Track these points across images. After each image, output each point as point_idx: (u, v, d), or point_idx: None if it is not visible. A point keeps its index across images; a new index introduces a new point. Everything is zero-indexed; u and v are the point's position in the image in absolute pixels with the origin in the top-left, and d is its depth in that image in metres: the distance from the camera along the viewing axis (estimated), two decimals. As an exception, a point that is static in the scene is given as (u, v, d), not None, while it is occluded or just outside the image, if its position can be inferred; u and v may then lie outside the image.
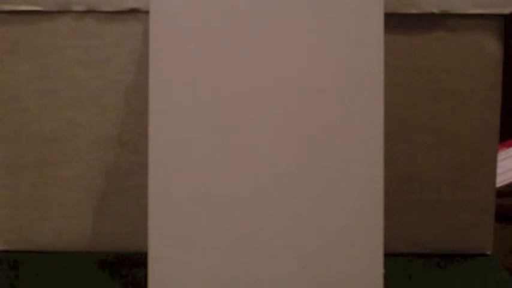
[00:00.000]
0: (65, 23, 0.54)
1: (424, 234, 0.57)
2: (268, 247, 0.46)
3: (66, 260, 0.56)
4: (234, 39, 0.47)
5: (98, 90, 0.55)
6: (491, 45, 0.54)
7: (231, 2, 0.47)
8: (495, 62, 0.55)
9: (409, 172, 0.56)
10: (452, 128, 0.56)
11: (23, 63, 0.55)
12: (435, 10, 0.53)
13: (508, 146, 0.78)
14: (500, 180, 0.70)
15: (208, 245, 0.46)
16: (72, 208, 0.57)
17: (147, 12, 0.48)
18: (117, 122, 0.56)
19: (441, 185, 0.56)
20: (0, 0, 0.54)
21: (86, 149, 0.56)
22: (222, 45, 0.47)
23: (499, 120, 0.56)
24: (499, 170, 0.58)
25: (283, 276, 0.46)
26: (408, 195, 0.57)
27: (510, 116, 0.60)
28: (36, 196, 0.57)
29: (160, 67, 0.47)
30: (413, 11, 0.53)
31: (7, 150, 0.56)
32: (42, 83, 0.55)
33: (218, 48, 0.47)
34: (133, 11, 0.54)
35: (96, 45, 0.54)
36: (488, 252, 0.57)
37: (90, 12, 0.54)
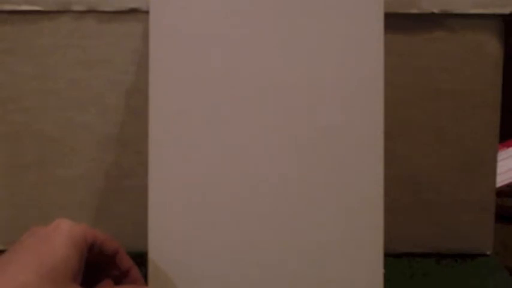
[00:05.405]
0: (65, 23, 0.54)
1: (424, 234, 0.57)
2: (268, 246, 0.46)
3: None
4: (234, 39, 0.47)
5: (98, 90, 0.55)
6: (491, 45, 0.54)
7: (231, 2, 0.47)
8: (495, 62, 0.55)
9: (409, 172, 0.56)
10: (452, 128, 0.56)
11: (23, 63, 0.55)
12: (435, 10, 0.53)
13: (508, 146, 0.78)
14: (500, 180, 0.70)
15: (208, 245, 0.46)
16: (72, 208, 0.57)
17: (147, 12, 0.48)
18: (117, 122, 0.56)
19: (441, 185, 0.56)
20: (0, 0, 0.54)
21: (86, 149, 0.56)
22: (222, 46, 0.47)
23: (499, 120, 0.56)
24: (499, 170, 0.58)
25: (283, 276, 0.46)
26: (408, 195, 0.57)
27: (510, 116, 0.60)
28: (36, 196, 0.57)
29: (160, 67, 0.47)
30: (413, 11, 0.53)
31: (7, 150, 0.56)
32: (42, 83, 0.55)
33: (218, 48, 0.47)
34: (133, 11, 0.54)
35: (96, 45, 0.54)
36: (488, 252, 0.57)
37: (90, 12, 0.54)
